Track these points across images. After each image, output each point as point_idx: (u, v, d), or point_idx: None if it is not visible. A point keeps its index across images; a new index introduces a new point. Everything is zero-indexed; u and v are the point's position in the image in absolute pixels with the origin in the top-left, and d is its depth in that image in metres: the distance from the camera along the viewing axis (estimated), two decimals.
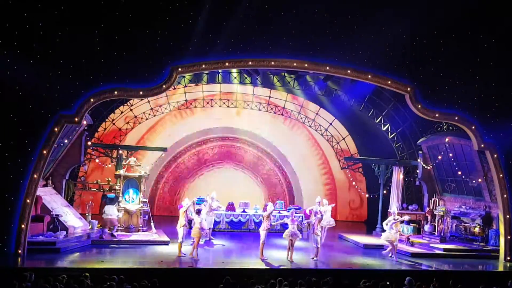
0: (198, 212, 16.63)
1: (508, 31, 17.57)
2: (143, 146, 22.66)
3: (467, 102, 17.79)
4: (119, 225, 18.87)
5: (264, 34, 16.56)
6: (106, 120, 22.50)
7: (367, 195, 23.73)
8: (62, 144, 18.29)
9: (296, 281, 11.60)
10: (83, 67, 15.47)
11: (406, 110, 20.78)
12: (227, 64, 16.76)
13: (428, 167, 22.12)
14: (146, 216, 19.92)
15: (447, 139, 20.61)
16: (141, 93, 16.28)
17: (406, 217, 18.80)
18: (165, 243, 18.09)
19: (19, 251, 15.03)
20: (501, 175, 17.82)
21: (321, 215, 17.70)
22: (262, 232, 16.51)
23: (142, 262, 15.48)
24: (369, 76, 17.43)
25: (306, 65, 17.13)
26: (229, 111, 25.34)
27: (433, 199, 22.27)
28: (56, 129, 15.30)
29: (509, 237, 17.83)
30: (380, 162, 23.17)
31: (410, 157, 23.26)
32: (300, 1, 16.66)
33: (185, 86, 22.77)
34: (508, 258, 17.77)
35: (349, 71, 17.31)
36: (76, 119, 15.54)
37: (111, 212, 18.57)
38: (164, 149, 22.63)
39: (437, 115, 17.89)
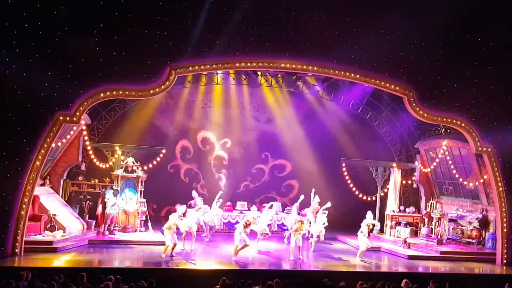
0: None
1: (507, 34, 17.59)
2: (141, 146, 22.61)
3: (465, 105, 17.81)
4: (115, 223, 18.97)
5: (263, 36, 16.57)
6: (104, 119, 22.49)
7: (364, 197, 23.72)
8: (60, 144, 18.28)
9: (293, 282, 11.62)
10: (81, 66, 15.47)
11: (404, 113, 20.83)
12: (226, 65, 16.79)
13: (426, 170, 22.16)
14: (144, 217, 19.92)
15: (444, 142, 20.67)
16: (139, 93, 16.27)
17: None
18: (162, 243, 18.04)
19: (16, 250, 15.04)
20: (498, 178, 17.84)
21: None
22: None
23: (139, 262, 15.48)
24: (367, 78, 17.45)
25: (304, 66, 17.15)
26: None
27: (430, 201, 22.31)
28: (54, 129, 15.31)
29: (506, 240, 17.84)
30: (378, 164, 23.19)
31: (408, 160, 23.33)
32: (300, 3, 16.67)
33: (184, 87, 22.78)
34: (505, 261, 17.79)
35: (347, 73, 17.31)
36: (75, 119, 15.54)
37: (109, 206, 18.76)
38: (162, 149, 22.60)
39: (435, 118, 17.91)
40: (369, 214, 18.08)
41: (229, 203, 22.68)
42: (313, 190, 20.52)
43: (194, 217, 18.10)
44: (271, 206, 20.16)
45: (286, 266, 16.00)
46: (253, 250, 17.78)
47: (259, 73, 21.56)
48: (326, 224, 18.80)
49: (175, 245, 16.17)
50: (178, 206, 17.86)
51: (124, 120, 23.05)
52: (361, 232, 17.42)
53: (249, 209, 21.48)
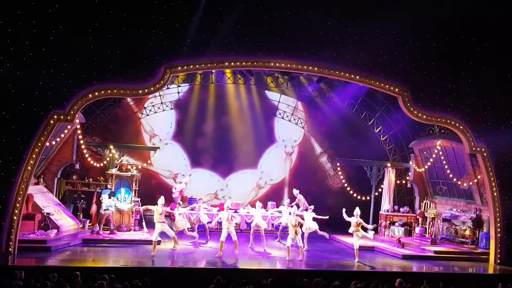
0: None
1: (501, 35, 17.67)
2: (135, 145, 22.60)
3: (459, 105, 17.87)
4: (112, 222, 19.00)
5: (258, 35, 16.57)
6: (99, 118, 22.44)
7: (358, 197, 23.75)
8: (54, 143, 18.23)
9: (287, 281, 11.61)
10: (76, 65, 15.42)
11: (398, 113, 20.87)
12: (221, 64, 16.77)
13: (420, 170, 22.22)
14: (138, 216, 19.89)
15: (439, 142, 20.73)
16: (134, 92, 16.25)
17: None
18: (157, 242, 18.02)
19: (10, 249, 15.00)
20: (491, 178, 17.91)
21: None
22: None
23: (133, 261, 15.47)
24: (362, 78, 17.48)
25: (299, 66, 17.17)
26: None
27: (424, 201, 22.38)
28: (48, 127, 15.26)
29: (499, 239, 17.92)
30: (372, 164, 23.24)
31: (402, 160, 23.38)
32: (294, 3, 16.68)
33: (178, 86, 22.79)
34: (498, 260, 17.86)
35: (342, 73, 17.34)
36: (69, 118, 15.51)
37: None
38: (156, 148, 22.62)
39: (429, 118, 17.95)
40: (356, 210, 17.71)
41: (222, 202, 22.68)
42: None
43: (183, 214, 18.15)
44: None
45: (280, 266, 16.00)
46: (249, 249, 17.90)
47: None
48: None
49: (157, 242, 16.42)
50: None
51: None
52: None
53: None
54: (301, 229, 17.50)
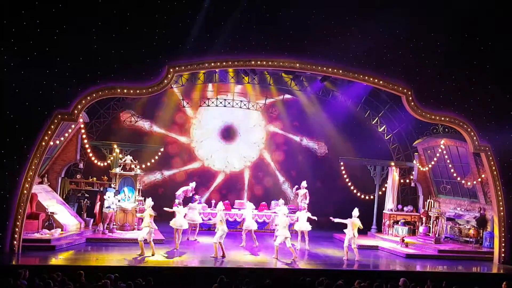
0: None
1: (505, 34, 17.63)
2: (139, 144, 22.61)
3: (463, 104, 17.85)
4: (113, 222, 19.00)
5: (261, 34, 16.58)
6: (102, 117, 22.46)
7: (362, 196, 23.72)
8: (58, 142, 18.27)
9: (290, 280, 11.61)
10: (80, 65, 15.46)
11: (402, 112, 20.85)
12: (224, 63, 16.77)
13: (424, 169, 22.19)
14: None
15: (442, 141, 20.70)
16: (137, 91, 16.26)
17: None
18: (160, 241, 18.06)
19: (14, 248, 15.05)
20: (496, 177, 17.88)
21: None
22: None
23: (137, 260, 15.48)
24: (366, 77, 17.48)
25: (303, 65, 17.17)
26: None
27: (428, 200, 22.34)
28: (52, 127, 15.31)
29: (503, 239, 17.88)
30: (376, 163, 23.23)
31: (406, 159, 23.35)
32: (298, 2, 16.67)
33: (182, 85, 22.78)
34: (503, 260, 17.83)
35: (346, 72, 17.34)
36: (73, 117, 15.56)
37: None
38: (160, 147, 22.67)
39: (433, 117, 17.94)
40: (355, 211, 17.67)
41: (227, 201, 22.71)
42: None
43: (182, 213, 18.13)
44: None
45: (284, 265, 16.00)
46: (247, 249, 17.90)
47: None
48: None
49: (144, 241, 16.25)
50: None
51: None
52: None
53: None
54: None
